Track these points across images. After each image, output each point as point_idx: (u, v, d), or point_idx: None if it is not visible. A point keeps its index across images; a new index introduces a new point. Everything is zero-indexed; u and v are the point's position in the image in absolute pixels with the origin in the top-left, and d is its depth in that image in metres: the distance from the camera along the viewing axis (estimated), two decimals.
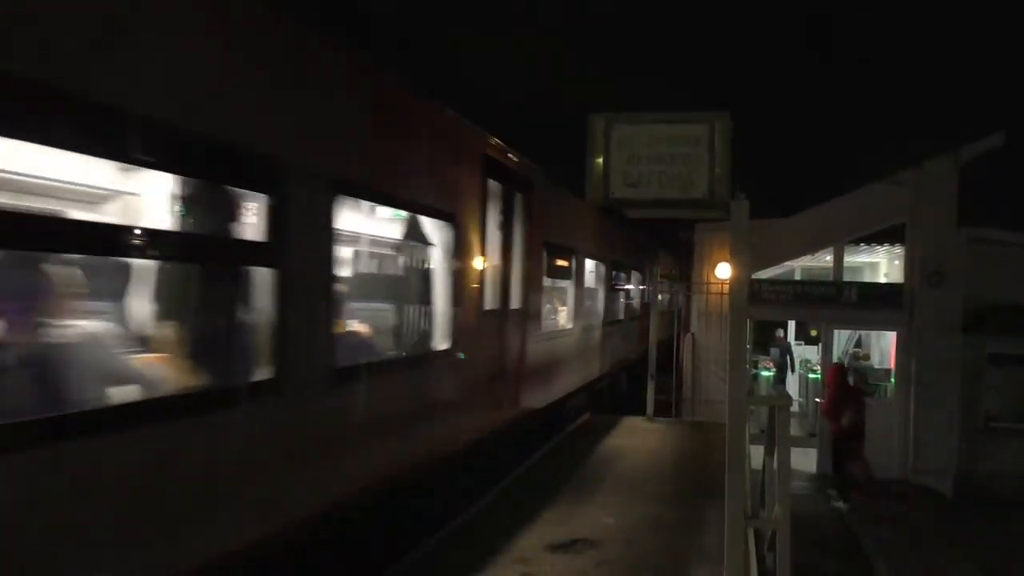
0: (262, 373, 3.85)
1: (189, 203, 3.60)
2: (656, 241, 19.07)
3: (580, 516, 6.21)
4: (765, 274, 15.00)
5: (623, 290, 14.97)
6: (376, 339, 5.47)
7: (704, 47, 7.61)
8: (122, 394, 3.31)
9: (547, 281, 9.35)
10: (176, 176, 3.54)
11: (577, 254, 10.50)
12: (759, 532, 5.88)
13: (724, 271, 14.37)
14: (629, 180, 3.86)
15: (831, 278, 14.51)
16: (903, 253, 14.25)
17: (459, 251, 6.19)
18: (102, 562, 2.92)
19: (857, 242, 14.71)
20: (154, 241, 3.37)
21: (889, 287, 15.23)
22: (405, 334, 5.85)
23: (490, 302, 7.06)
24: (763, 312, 13.81)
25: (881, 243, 14.80)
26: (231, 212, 3.79)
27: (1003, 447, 13.11)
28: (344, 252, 4.98)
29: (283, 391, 3.93)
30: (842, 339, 15.75)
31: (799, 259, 16.12)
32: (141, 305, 3.78)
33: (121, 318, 3.77)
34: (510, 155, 7.55)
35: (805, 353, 17.90)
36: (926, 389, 13.25)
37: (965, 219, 13.30)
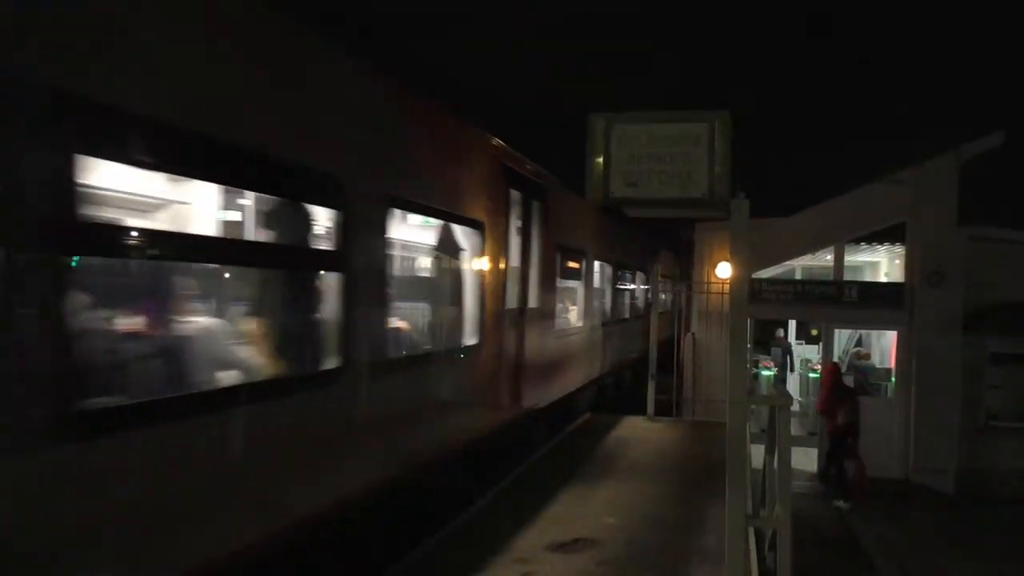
0: (330, 363, 4.48)
1: (281, 218, 4.38)
2: (657, 241, 19.09)
3: (581, 515, 6.21)
4: (765, 273, 15.00)
5: (627, 290, 15.29)
6: (415, 335, 6.13)
7: (704, 47, 7.61)
8: (228, 378, 4.00)
9: (559, 282, 9.90)
10: (268, 196, 4.35)
11: (586, 256, 11.02)
12: (760, 531, 5.89)
13: (724, 270, 14.38)
14: (629, 179, 3.86)
15: (831, 277, 14.51)
16: (903, 252, 14.25)
17: (485, 255, 6.81)
18: (228, 505, 3.65)
19: (857, 241, 14.72)
20: (252, 251, 4.32)
21: (889, 286, 15.22)
22: (439, 330, 6.51)
23: (511, 301, 7.62)
24: (763, 311, 13.82)
25: (881, 242, 14.79)
26: (311, 225, 4.47)
27: (1004, 446, 13.11)
28: (392, 258, 5.54)
29: (346, 379, 4.55)
30: (843, 338, 15.76)
31: (799, 258, 16.12)
32: (239, 305, 4.61)
33: (225, 315, 4.57)
34: (528, 166, 8.15)
35: (806, 352, 17.90)
36: (927, 388, 13.25)
37: (965, 218, 13.29)
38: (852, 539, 10.50)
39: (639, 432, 10.26)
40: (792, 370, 17.24)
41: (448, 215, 6.26)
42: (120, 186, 4.00)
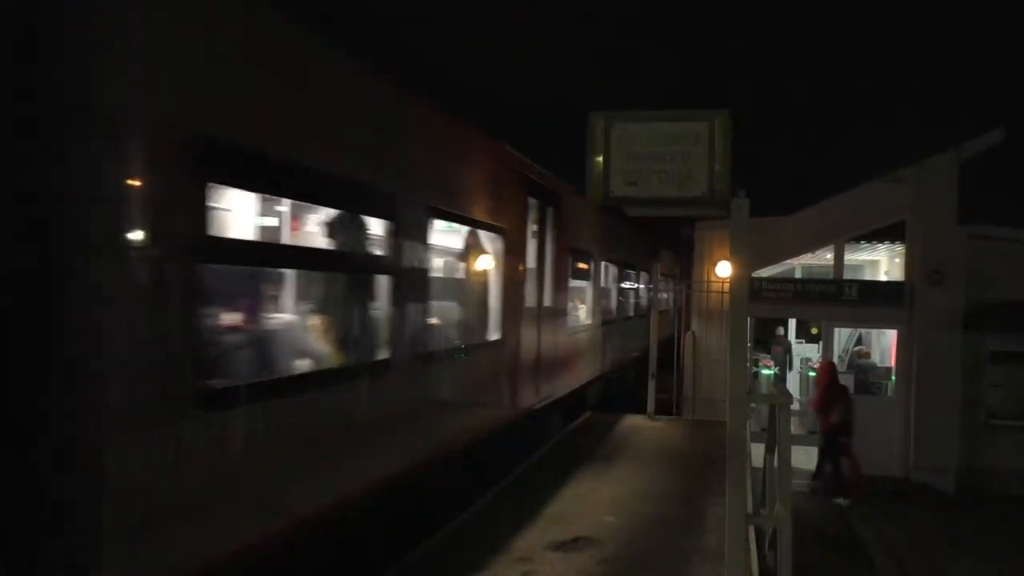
0: (381, 355, 5.18)
1: (349, 228, 4.97)
2: (657, 240, 19.12)
3: (581, 514, 6.21)
4: (766, 272, 15.00)
5: (630, 289, 15.59)
6: (448, 331, 6.64)
7: (704, 47, 7.62)
8: (304, 365, 4.68)
9: (571, 282, 10.44)
10: (339, 210, 4.94)
11: (594, 258, 11.62)
12: (760, 530, 5.90)
13: (724, 269, 14.37)
14: (629, 178, 3.86)
15: (831, 276, 14.51)
16: (903, 251, 14.24)
17: (506, 258, 7.44)
18: (320, 470, 4.37)
19: (858, 240, 14.70)
20: (323, 256, 4.97)
21: (890, 285, 15.21)
22: (467, 326, 7.06)
23: (528, 300, 8.25)
24: (763, 310, 13.82)
25: (882, 241, 14.78)
26: (368, 233, 5.08)
27: (1004, 444, 13.12)
28: (430, 261, 6.11)
29: (393, 369, 5.22)
30: (843, 337, 15.75)
31: (799, 257, 16.11)
32: (310, 303, 5.18)
33: (298, 312, 5.16)
34: (544, 174, 8.71)
35: (806, 351, 17.89)
36: (927, 387, 13.25)
37: (965, 216, 13.29)
38: (852, 537, 10.50)
39: (639, 431, 10.26)
40: (790, 368, 17.24)
41: (475, 222, 6.87)
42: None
